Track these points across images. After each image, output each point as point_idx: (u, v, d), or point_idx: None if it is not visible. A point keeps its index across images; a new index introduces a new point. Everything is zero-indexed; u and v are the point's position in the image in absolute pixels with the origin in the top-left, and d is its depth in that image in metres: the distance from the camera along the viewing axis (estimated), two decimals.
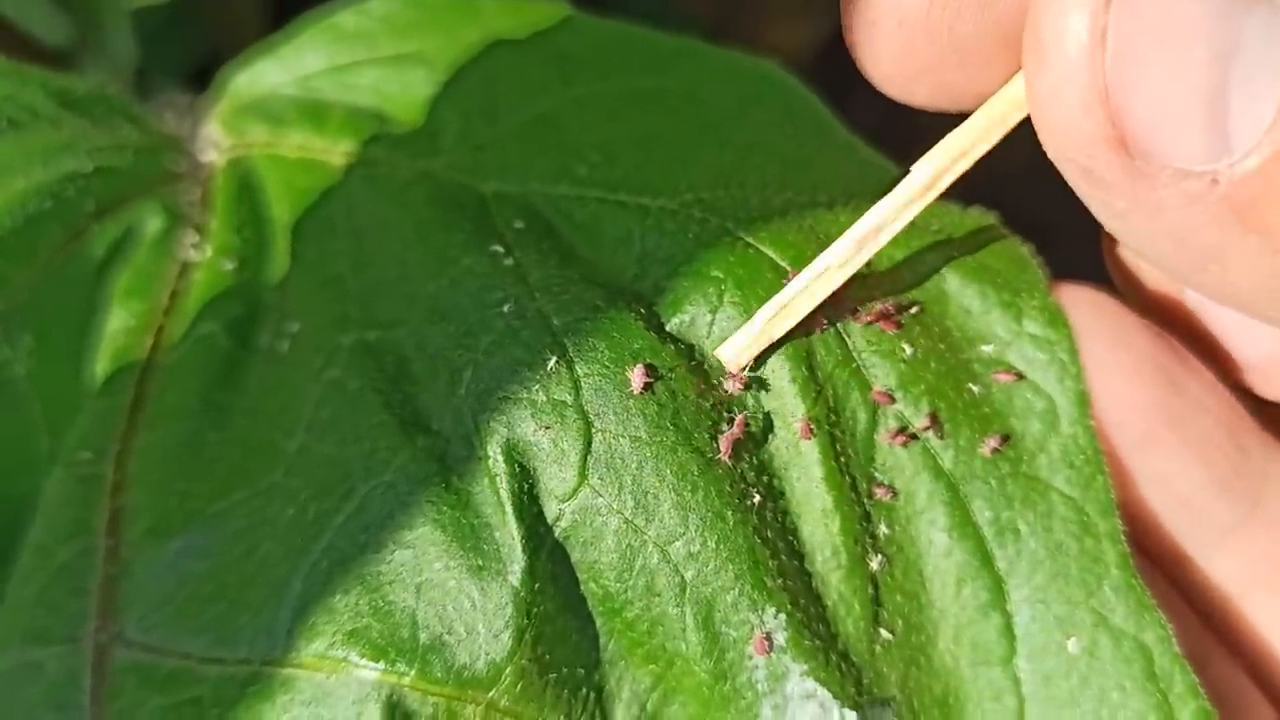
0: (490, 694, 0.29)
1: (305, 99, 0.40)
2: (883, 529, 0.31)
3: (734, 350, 0.31)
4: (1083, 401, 0.31)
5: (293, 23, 0.43)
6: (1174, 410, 0.31)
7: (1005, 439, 0.31)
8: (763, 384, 0.31)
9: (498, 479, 0.30)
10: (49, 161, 0.38)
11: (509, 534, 0.30)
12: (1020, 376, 0.31)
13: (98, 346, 0.36)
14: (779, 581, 0.30)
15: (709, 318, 0.32)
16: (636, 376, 0.30)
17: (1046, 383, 0.31)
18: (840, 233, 0.30)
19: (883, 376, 0.31)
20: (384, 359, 0.33)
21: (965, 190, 0.33)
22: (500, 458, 0.30)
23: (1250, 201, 0.23)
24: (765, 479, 0.31)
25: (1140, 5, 0.23)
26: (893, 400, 0.31)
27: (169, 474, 0.34)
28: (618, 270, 0.33)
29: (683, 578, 0.30)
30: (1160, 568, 0.33)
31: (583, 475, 0.30)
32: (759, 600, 0.30)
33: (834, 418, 0.31)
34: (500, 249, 0.33)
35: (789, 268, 0.32)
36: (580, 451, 0.30)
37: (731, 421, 0.31)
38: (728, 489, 0.30)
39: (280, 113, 0.40)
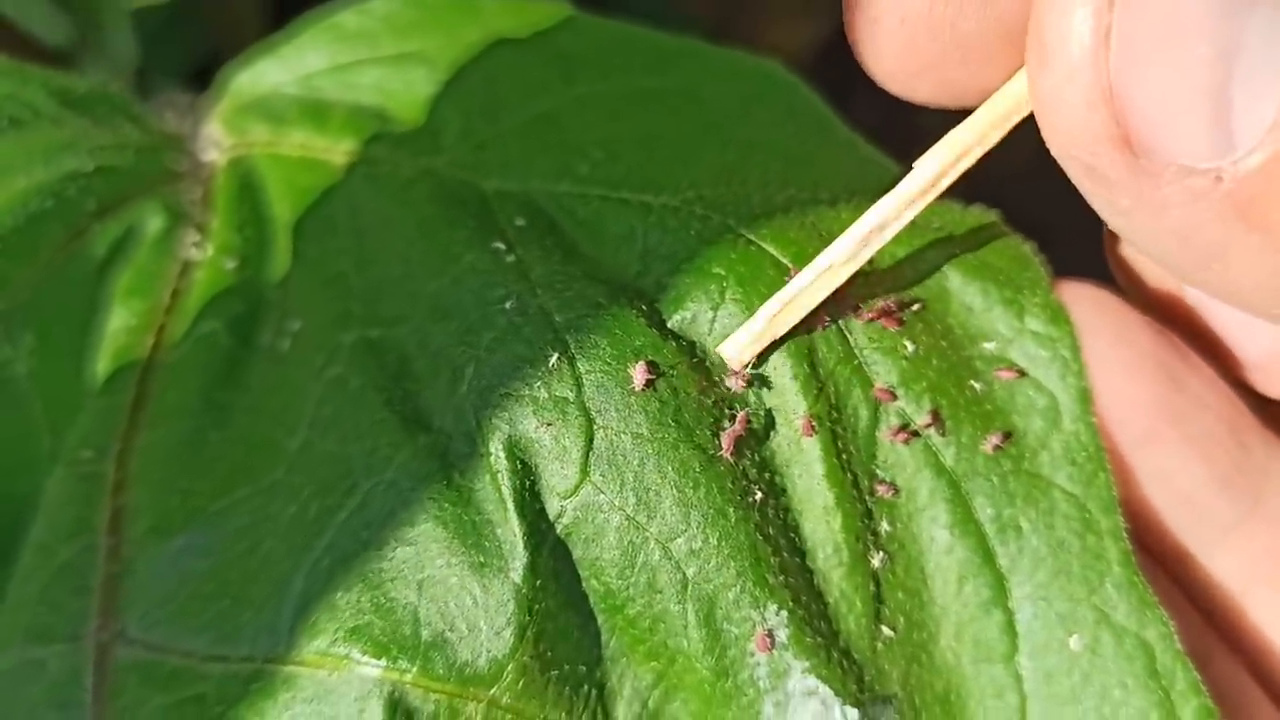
0: (492, 691, 0.29)
1: (307, 98, 0.40)
2: (884, 526, 0.31)
3: (736, 347, 0.31)
4: (1084, 398, 0.31)
5: (293, 22, 0.43)
6: (1175, 407, 0.31)
7: (1007, 436, 0.31)
8: (764, 381, 0.31)
9: (499, 476, 0.30)
10: (50, 160, 0.38)
11: (511, 531, 0.30)
12: (1022, 373, 0.31)
13: (99, 345, 0.36)
14: (780, 578, 0.30)
15: (711, 315, 0.32)
16: (638, 373, 0.30)
17: (1048, 380, 0.31)
18: (842, 230, 0.30)
19: (884, 373, 0.31)
20: (386, 356, 0.33)
21: (966, 190, 0.33)
22: (502, 454, 0.30)
23: (1253, 199, 0.23)
24: (767, 476, 0.31)
25: (1144, 4, 0.23)
26: (894, 397, 0.31)
27: (170, 472, 0.34)
28: (620, 267, 0.33)
29: (684, 575, 0.30)
30: (1162, 565, 0.33)
31: (584, 472, 0.30)
32: (760, 597, 0.30)
33: (835, 415, 0.31)
34: (502, 246, 0.33)
35: (791, 265, 0.32)
36: (582, 448, 0.30)
37: (733, 418, 0.31)
38: (729, 486, 0.30)
39: (282, 112, 0.40)
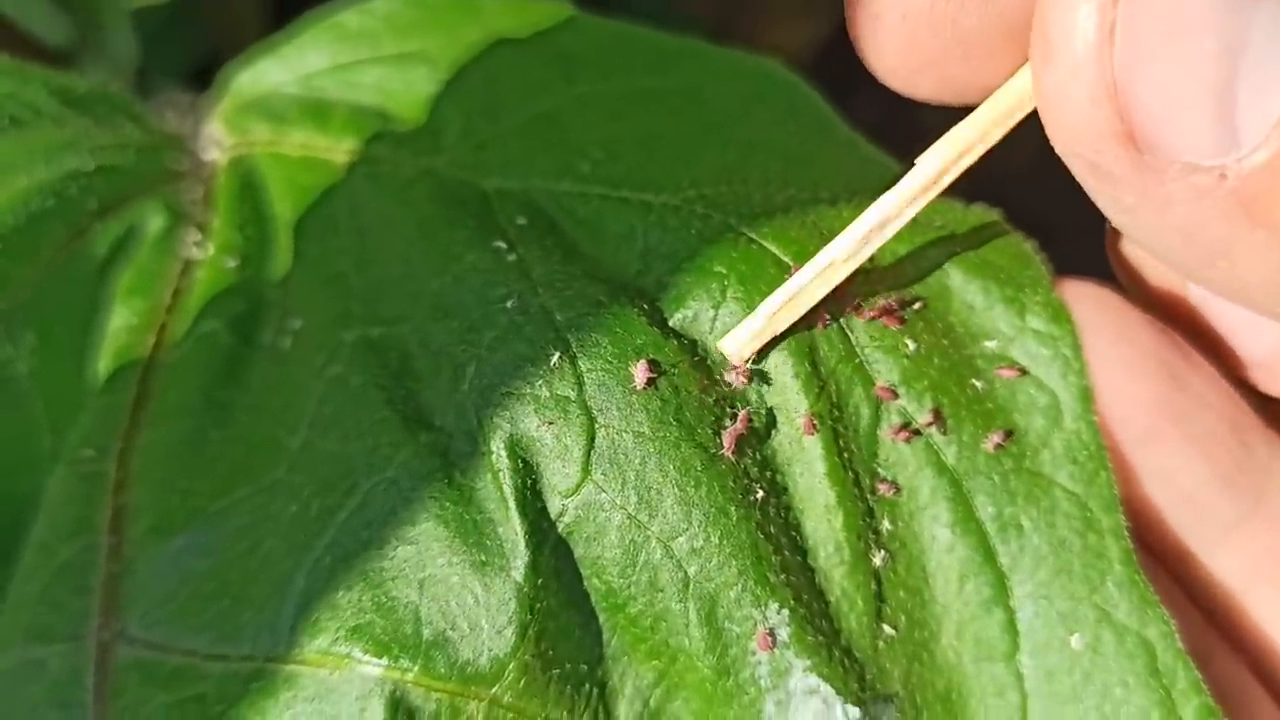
0: (493, 690, 0.29)
1: (308, 97, 0.41)
2: (886, 525, 0.31)
3: (736, 343, 0.31)
4: (1086, 397, 0.31)
5: (294, 22, 0.43)
6: (1177, 406, 0.31)
7: (1008, 435, 0.31)
8: (765, 378, 0.31)
9: (501, 474, 0.30)
10: (51, 160, 0.38)
11: (512, 529, 0.30)
12: (1023, 372, 0.31)
13: (100, 344, 0.36)
14: (782, 577, 0.30)
15: (712, 313, 0.32)
16: (640, 372, 0.30)
17: (1050, 378, 0.31)
18: (843, 228, 0.30)
19: (886, 372, 0.31)
20: (387, 355, 0.33)
21: (967, 189, 0.33)
22: (503, 453, 0.30)
23: (1257, 196, 0.23)
24: (768, 475, 0.31)
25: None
26: (896, 396, 0.31)
27: (171, 471, 0.34)
28: (621, 266, 0.33)
29: (686, 573, 0.30)
30: (1163, 564, 0.33)
31: (586, 471, 0.30)
32: (762, 596, 0.30)
33: (837, 413, 0.31)
34: (503, 245, 0.33)
35: (792, 263, 0.32)
36: (583, 447, 0.30)
37: (734, 417, 0.31)
38: (731, 485, 0.30)
39: (283, 111, 0.40)
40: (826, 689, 0.29)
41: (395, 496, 0.31)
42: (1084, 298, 0.32)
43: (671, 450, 0.30)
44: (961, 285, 0.32)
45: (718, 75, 0.40)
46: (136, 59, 0.57)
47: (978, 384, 0.31)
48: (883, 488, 0.31)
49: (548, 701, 0.30)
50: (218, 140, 0.41)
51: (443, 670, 0.29)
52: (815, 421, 0.31)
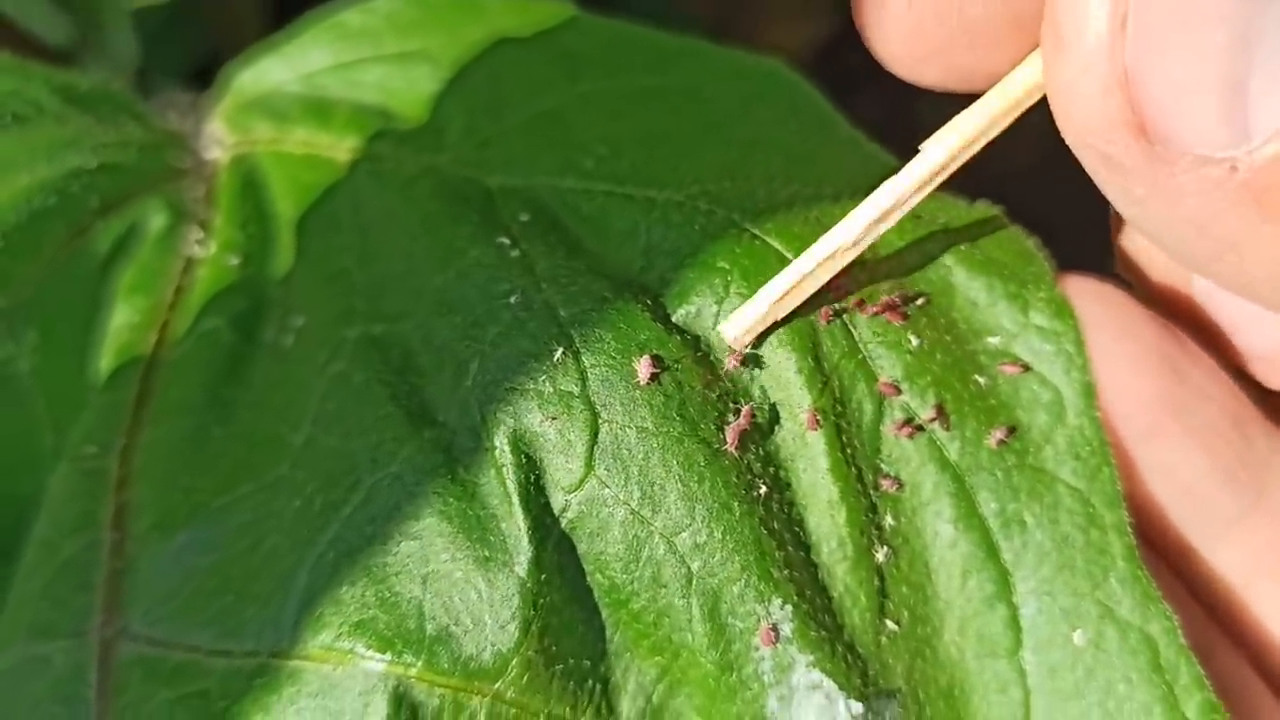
0: (497, 685, 0.29)
1: (310, 96, 0.41)
2: (889, 520, 0.31)
3: (737, 329, 0.31)
4: (1089, 393, 0.31)
5: (295, 21, 0.43)
6: (1179, 400, 0.31)
7: (1011, 430, 0.31)
8: (767, 372, 0.31)
9: (504, 470, 0.30)
10: (53, 157, 0.38)
11: (515, 525, 0.30)
12: (1026, 368, 0.31)
13: (102, 342, 0.36)
14: (785, 573, 0.30)
15: (715, 309, 0.32)
16: (643, 367, 0.30)
17: (1053, 374, 0.31)
18: None
19: (889, 368, 0.31)
20: (389, 352, 0.33)
21: (969, 187, 0.33)
22: (507, 449, 0.30)
23: (1268, 189, 0.23)
24: (771, 470, 0.31)
25: None
26: (899, 391, 0.31)
27: (174, 468, 0.34)
28: (624, 262, 0.33)
29: (689, 569, 0.30)
30: (1165, 559, 0.33)
31: (589, 466, 0.30)
32: (765, 591, 0.30)
33: (840, 409, 0.31)
34: (506, 241, 0.33)
35: (795, 259, 0.32)
36: (587, 442, 0.30)
37: (738, 412, 0.31)
38: (734, 480, 0.30)
39: (285, 109, 0.41)
40: (829, 684, 0.29)
41: (398, 492, 0.31)
42: (1086, 293, 0.32)
43: (675, 445, 0.30)
44: (964, 281, 0.32)
45: (719, 74, 0.40)
46: (137, 59, 0.57)
47: (980, 380, 0.31)
48: (885, 483, 0.31)
49: (550, 697, 0.30)
50: (219, 139, 0.42)
51: (446, 666, 0.29)
52: (818, 417, 0.31)
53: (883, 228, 0.30)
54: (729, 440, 0.30)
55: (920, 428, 0.31)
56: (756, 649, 0.30)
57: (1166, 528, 0.32)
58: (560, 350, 0.31)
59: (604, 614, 0.30)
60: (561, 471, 0.30)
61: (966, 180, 0.31)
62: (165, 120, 0.43)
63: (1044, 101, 0.27)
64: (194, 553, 0.32)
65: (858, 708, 0.29)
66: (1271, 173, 0.22)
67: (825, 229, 0.31)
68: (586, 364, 0.31)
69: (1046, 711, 0.30)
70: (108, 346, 0.36)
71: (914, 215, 0.31)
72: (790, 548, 0.30)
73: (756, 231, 0.32)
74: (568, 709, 0.30)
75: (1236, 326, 0.32)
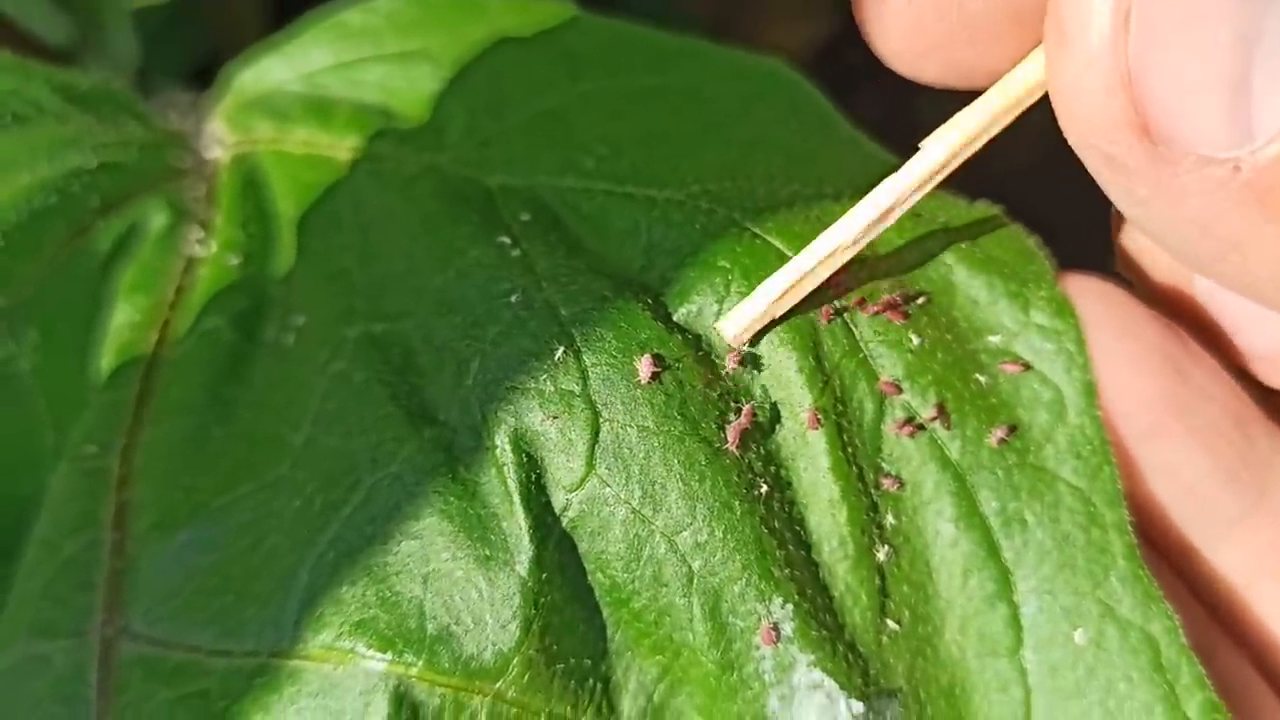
0: (498, 684, 0.29)
1: (311, 95, 0.41)
2: (889, 519, 0.31)
3: (735, 326, 0.31)
4: (1090, 392, 0.31)
5: (296, 21, 0.43)
6: (1180, 400, 0.31)
7: (1012, 429, 0.31)
8: (760, 361, 0.31)
9: (505, 469, 0.30)
10: (54, 157, 0.38)
11: (516, 524, 0.30)
12: (1027, 367, 0.31)
13: (103, 342, 0.36)
14: (786, 572, 0.30)
15: (716, 308, 0.32)
16: (644, 366, 0.30)
17: (1054, 373, 0.31)
18: None
19: (890, 366, 0.31)
20: (390, 351, 0.33)
21: (970, 186, 0.33)
22: (507, 448, 0.30)
23: (1271, 189, 0.23)
24: (772, 469, 0.31)
25: None
26: (900, 390, 0.31)
27: (175, 468, 0.34)
28: (625, 261, 0.33)
29: (690, 568, 0.30)
30: (1166, 559, 0.33)
31: (590, 465, 0.30)
32: (766, 590, 0.30)
33: (841, 408, 0.31)
34: (507, 240, 0.33)
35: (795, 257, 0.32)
36: (588, 441, 0.30)
37: (739, 411, 0.31)
38: (735, 479, 0.30)
39: (286, 109, 0.40)
40: (830, 684, 0.29)
41: (399, 491, 0.31)
42: (1087, 292, 0.32)
43: (676, 445, 0.30)
44: (965, 280, 0.32)
45: (719, 74, 0.40)
46: (137, 59, 0.57)
47: (981, 379, 0.31)
48: (886, 483, 0.31)
49: (551, 696, 0.30)
50: (220, 138, 0.41)
51: (447, 665, 0.29)
52: (819, 416, 0.31)
53: (883, 226, 0.30)
54: (730, 439, 0.30)
55: (921, 426, 0.31)
56: (757, 648, 0.30)
57: (1168, 527, 0.32)
58: (561, 349, 0.31)
59: (605, 613, 0.30)
60: (562, 470, 0.30)
61: (967, 179, 0.31)
62: (166, 120, 0.43)
63: (1045, 100, 0.27)
64: (194, 552, 0.32)
65: (859, 707, 0.29)
66: (1275, 173, 0.22)
67: (826, 228, 0.31)
68: (587, 363, 0.31)
69: (1047, 710, 0.30)
70: (108, 346, 0.36)
71: (915, 214, 0.31)
72: (791, 547, 0.30)
73: (757, 230, 0.32)
74: (569, 708, 0.30)
75: (1238, 326, 0.32)
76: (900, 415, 0.31)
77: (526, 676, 0.29)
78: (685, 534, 0.30)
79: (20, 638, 0.32)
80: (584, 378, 0.31)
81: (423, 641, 0.30)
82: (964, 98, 0.30)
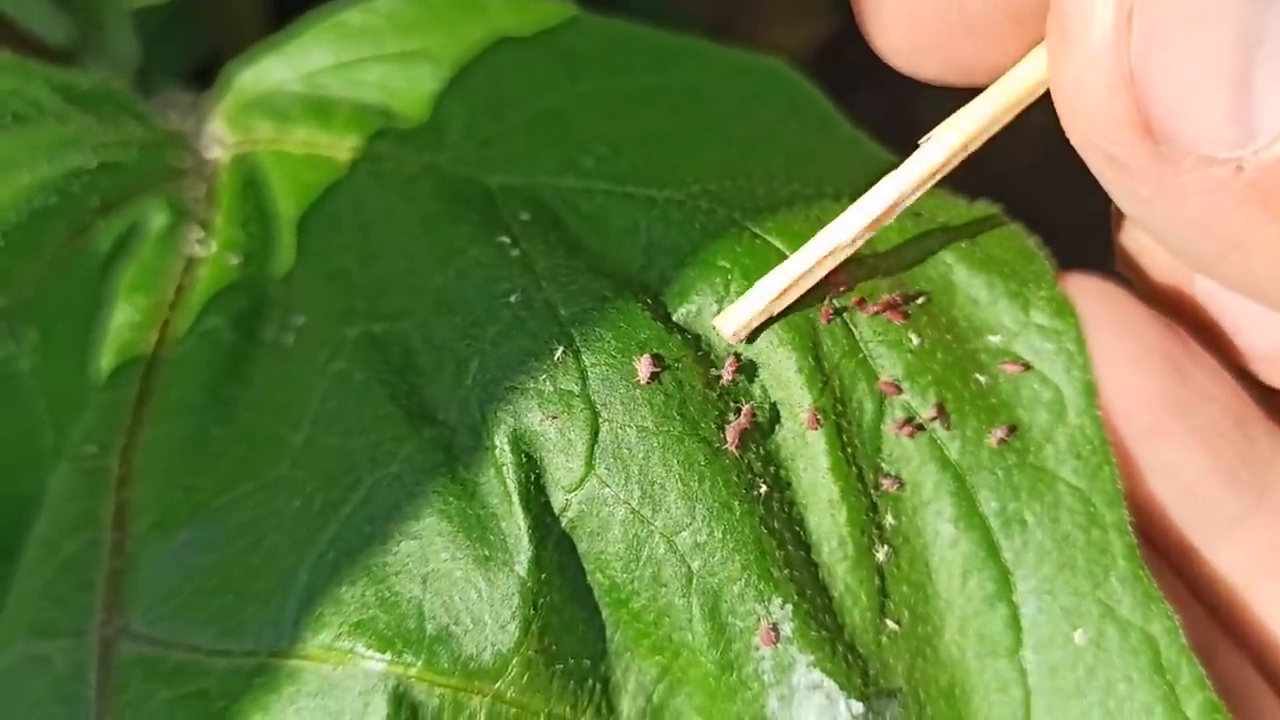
0: (497, 685, 0.29)
1: (311, 95, 0.41)
2: (889, 519, 0.31)
3: (733, 323, 0.31)
4: (1090, 392, 0.31)
5: (296, 21, 0.43)
6: (1181, 400, 0.31)
7: (1012, 429, 0.31)
8: (759, 361, 0.31)
9: (504, 469, 0.30)
10: (54, 157, 0.38)
11: (515, 524, 0.30)
12: (1027, 367, 0.31)
13: (103, 341, 0.36)
14: (786, 572, 0.30)
15: (716, 308, 0.32)
16: (643, 366, 0.30)
17: (1054, 373, 0.31)
18: None
19: (889, 366, 0.31)
20: (390, 351, 0.33)
21: (969, 185, 0.33)
22: (507, 448, 0.30)
23: (1274, 189, 0.23)
24: (772, 469, 0.31)
25: None
26: (899, 390, 0.31)
27: (174, 468, 0.34)
28: (624, 261, 0.33)
29: (689, 568, 0.30)
30: (1167, 559, 0.33)
31: (589, 465, 0.30)
32: (766, 591, 0.30)
33: (840, 408, 0.31)
34: (507, 240, 0.33)
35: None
36: (587, 441, 0.30)
37: (738, 411, 0.31)
38: (734, 479, 0.30)
39: (286, 109, 0.40)
40: (830, 684, 0.29)
41: (398, 491, 0.31)
42: (1088, 292, 0.32)
43: (675, 445, 0.30)
44: (965, 280, 0.32)
45: (719, 73, 0.40)
46: (137, 59, 0.57)
47: (981, 379, 0.31)
48: (886, 483, 0.31)
49: (551, 697, 0.30)
50: (220, 138, 0.41)
51: (446, 665, 0.29)
52: (819, 416, 0.31)
53: (881, 224, 0.30)
54: (729, 439, 0.30)
55: (921, 427, 0.31)
56: (757, 648, 0.30)
57: (1168, 527, 0.32)
58: (560, 349, 0.31)
59: (604, 613, 0.30)
60: (562, 470, 0.30)
61: (967, 178, 0.31)
62: (166, 120, 0.43)
63: (1045, 99, 0.27)
64: (194, 552, 0.32)
65: (858, 707, 0.29)
66: (1277, 173, 0.22)
67: None
68: (587, 363, 0.31)
69: (1047, 711, 0.30)
70: (108, 345, 0.36)
71: (914, 214, 0.31)
72: (790, 547, 0.30)
73: (757, 230, 0.32)
74: (568, 708, 0.30)
75: (1239, 325, 0.32)
76: (900, 415, 0.31)
77: (526, 677, 0.29)
78: (684, 534, 0.30)
79: (20, 637, 0.32)
80: (583, 378, 0.31)
81: (422, 642, 0.30)
82: (964, 98, 0.30)
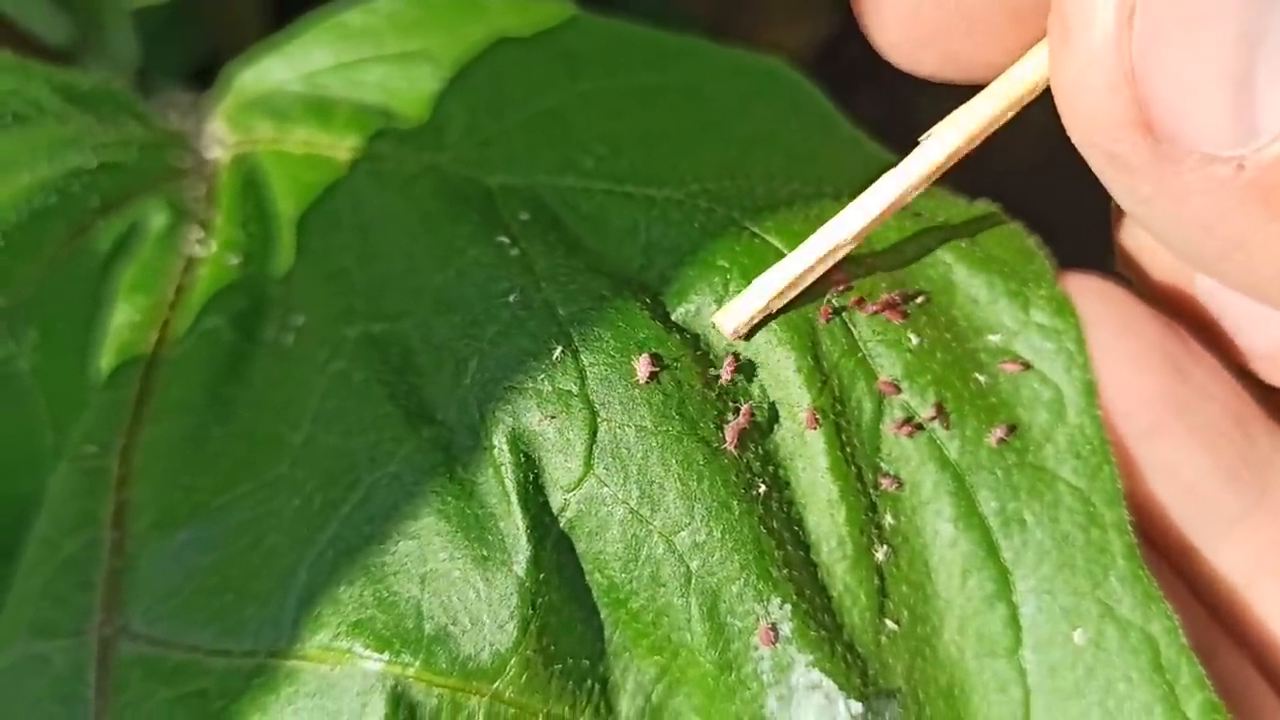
0: (495, 685, 0.29)
1: (311, 95, 0.41)
2: (888, 519, 0.31)
3: (732, 320, 0.31)
4: (1090, 391, 0.31)
5: (296, 21, 0.43)
6: (1181, 399, 0.31)
7: (1012, 429, 0.31)
8: (758, 361, 0.31)
9: (503, 469, 0.30)
10: (54, 157, 0.38)
11: (514, 524, 0.30)
12: (1027, 366, 0.31)
13: (103, 341, 0.36)
14: (784, 572, 0.30)
15: (715, 307, 0.32)
16: (642, 366, 0.30)
17: (1053, 372, 0.31)
18: None
19: (889, 366, 0.31)
20: (389, 351, 0.33)
21: (969, 185, 0.33)
22: (505, 447, 0.30)
23: (1275, 188, 0.22)
24: (771, 469, 0.31)
25: None
26: (898, 390, 0.31)
27: (174, 467, 0.34)
28: (624, 260, 0.33)
29: (688, 568, 0.30)
30: (1166, 558, 0.33)
31: (588, 465, 0.30)
32: (764, 590, 0.30)
33: (839, 407, 0.31)
34: (506, 240, 0.33)
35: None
36: (586, 441, 0.30)
37: (737, 411, 0.31)
38: (733, 479, 0.30)
39: (286, 109, 0.40)
40: (829, 684, 0.29)
41: (397, 491, 0.31)
42: (1087, 291, 0.32)
43: (674, 444, 0.30)
44: (965, 279, 0.32)
45: (719, 73, 0.40)
46: (137, 58, 0.57)
47: (981, 378, 0.31)
48: (885, 482, 0.31)
49: (549, 697, 0.30)
50: (220, 138, 0.42)
51: (444, 665, 0.29)
52: (818, 416, 0.31)
53: (880, 222, 0.30)
54: (728, 439, 0.30)
55: (920, 426, 0.31)
56: (755, 648, 0.30)
57: (1168, 527, 0.32)
58: (559, 349, 0.31)
59: (603, 613, 0.30)
60: (560, 470, 0.30)
61: (967, 177, 0.31)
62: (166, 120, 0.43)
63: (1045, 98, 0.27)
64: (194, 551, 0.32)
65: (857, 707, 0.29)
66: (1278, 171, 0.22)
67: None
68: (585, 362, 0.31)
69: (1046, 711, 0.30)
70: (108, 345, 0.36)
71: (914, 213, 0.31)
72: (789, 547, 0.30)
73: (756, 230, 0.32)
74: (566, 708, 0.30)
75: (1239, 324, 0.32)
76: (899, 415, 0.31)
77: (524, 677, 0.29)
78: (683, 534, 0.30)
79: (19, 637, 0.32)
80: (582, 377, 0.31)
81: (420, 642, 0.29)
82: (965, 98, 0.30)
